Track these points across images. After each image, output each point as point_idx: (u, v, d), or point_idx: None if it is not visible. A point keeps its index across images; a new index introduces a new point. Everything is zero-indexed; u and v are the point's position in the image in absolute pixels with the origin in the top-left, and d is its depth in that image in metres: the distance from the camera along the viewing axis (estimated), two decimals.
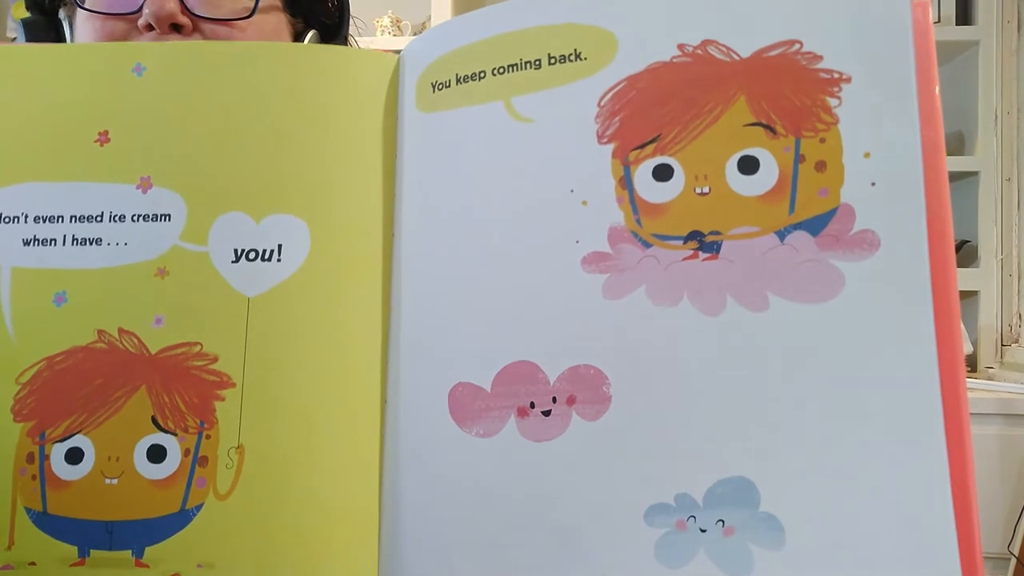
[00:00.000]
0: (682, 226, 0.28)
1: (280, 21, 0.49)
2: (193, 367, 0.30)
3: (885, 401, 0.25)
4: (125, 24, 0.44)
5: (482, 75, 0.31)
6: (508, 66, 0.31)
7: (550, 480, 0.28)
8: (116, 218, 0.32)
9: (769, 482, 0.26)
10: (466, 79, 0.32)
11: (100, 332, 0.31)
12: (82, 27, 0.46)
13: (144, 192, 0.32)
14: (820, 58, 0.27)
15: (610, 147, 0.29)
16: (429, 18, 1.61)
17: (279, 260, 0.31)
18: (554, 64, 0.30)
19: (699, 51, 0.29)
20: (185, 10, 0.43)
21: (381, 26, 1.66)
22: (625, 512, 0.27)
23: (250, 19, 0.45)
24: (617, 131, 0.29)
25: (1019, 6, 1.51)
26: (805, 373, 0.26)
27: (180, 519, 0.29)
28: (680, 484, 0.26)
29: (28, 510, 0.29)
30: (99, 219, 0.32)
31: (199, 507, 0.29)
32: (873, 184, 0.26)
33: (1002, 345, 1.51)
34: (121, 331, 0.31)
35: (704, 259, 0.28)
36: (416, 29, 1.73)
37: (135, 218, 0.32)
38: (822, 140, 0.27)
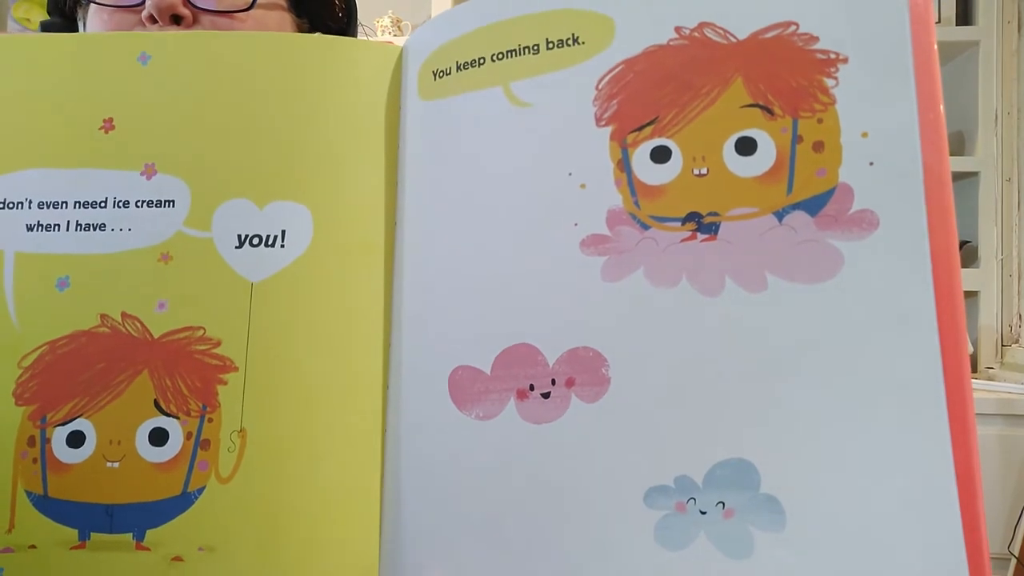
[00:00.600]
0: (680, 208, 0.28)
1: (284, 19, 0.50)
2: (196, 351, 0.31)
3: (886, 381, 0.25)
4: (130, 16, 0.45)
5: (481, 61, 0.32)
6: (507, 52, 0.31)
7: (549, 462, 0.28)
8: (120, 204, 0.32)
9: (769, 464, 0.25)
10: (466, 66, 0.32)
11: (103, 316, 0.31)
12: (91, 22, 0.47)
13: (148, 178, 0.32)
14: (816, 39, 0.27)
15: (608, 130, 0.29)
16: (429, 18, 1.61)
17: (282, 246, 0.32)
18: (552, 49, 0.30)
19: (696, 34, 0.29)
20: (186, 2, 0.44)
21: (382, 26, 1.67)
22: (624, 494, 0.27)
23: (250, 12, 0.46)
24: (615, 114, 0.29)
25: (1019, 6, 1.51)
26: (804, 353, 0.26)
27: (182, 502, 0.29)
28: (680, 466, 0.26)
29: (29, 493, 0.29)
30: (103, 205, 0.32)
31: (201, 490, 0.29)
32: (871, 164, 0.26)
33: (1002, 345, 1.50)
34: (124, 315, 0.31)
35: (702, 240, 0.28)
36: None
37: (139, 204, 0.32)
38: (820, 120, 0.27)
